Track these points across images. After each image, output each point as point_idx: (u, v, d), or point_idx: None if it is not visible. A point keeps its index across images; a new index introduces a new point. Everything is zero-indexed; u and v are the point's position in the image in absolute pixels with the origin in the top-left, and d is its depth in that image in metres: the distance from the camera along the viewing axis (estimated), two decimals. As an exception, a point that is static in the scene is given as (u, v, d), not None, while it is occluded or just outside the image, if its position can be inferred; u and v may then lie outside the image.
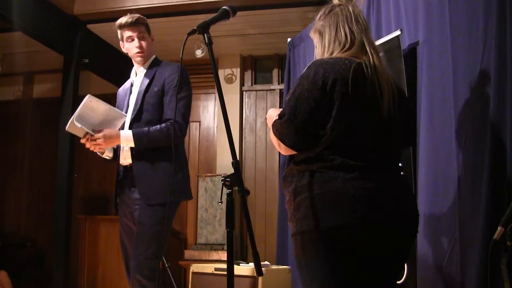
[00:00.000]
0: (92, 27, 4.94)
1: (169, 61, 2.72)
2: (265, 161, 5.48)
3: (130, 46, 2.65)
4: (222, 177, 1.64)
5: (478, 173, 2.07)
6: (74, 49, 4.75)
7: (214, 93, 5.79)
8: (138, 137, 2.45)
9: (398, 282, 2.57)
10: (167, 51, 4.79)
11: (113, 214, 5.70)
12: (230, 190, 1.65)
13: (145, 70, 2.65)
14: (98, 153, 2.61)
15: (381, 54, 1.79)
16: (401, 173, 1.78)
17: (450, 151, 2.26)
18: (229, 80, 5.69)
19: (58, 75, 4.95)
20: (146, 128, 2.48)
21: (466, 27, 2.24)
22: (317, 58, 1.76)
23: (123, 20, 2.62)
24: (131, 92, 2.67)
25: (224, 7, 1.79)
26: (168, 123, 2.48)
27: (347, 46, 1.70)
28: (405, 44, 2.69)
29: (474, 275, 2.05)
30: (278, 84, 5.63)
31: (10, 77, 5.92)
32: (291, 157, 1.73)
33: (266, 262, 3.61)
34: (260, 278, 3.15)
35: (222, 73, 5.66)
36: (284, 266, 3.59)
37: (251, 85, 5.75)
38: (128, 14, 2.66)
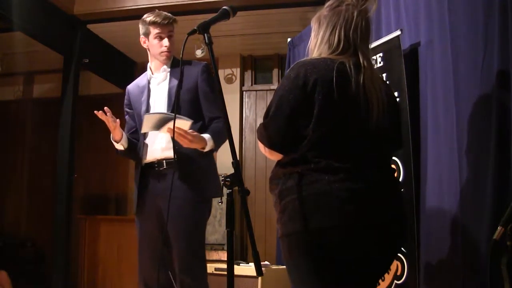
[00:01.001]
0: (92, 27, 4.94)
1: (190, 60, 2.71)
2: (265, 161, 5.48)
3: (157, 44, 2.57)
4: (222, 177, 1.64)
5: (482, 173, 2.07)
6: (74, 49, 4.75)
7: (214, 93, 5.78)
8: (217, 139, 2.47)
9: (398, 282, 2.57)
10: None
11: (114, 214, 5.71)
12: (230, 190, 1.64)
13: (169, 69, 2.61)
14: (113, 141, 2.57)
15: (373, 60, 1.78)
16: (391, 174, 1.75)
17: (452, 151, 2.26)
18: (229, 80, 5.69)
19: (58, 75, 4.95)
20: (214, 126, 2.49)
21: (466, 26, 2.24)
22: (308, 54, 1.75)
23: (157, 18, 2.55)
24: (149, 89, 2.61)
25: (224, 7, 1.79)
26: (220, 122, 2.48)
27: (337, 51, 1.67)
28: (406, 45, 2.69)
29: (474, 275, 2.05)
30: (278, 84, 5.63)
31: (10, 77, 5.92)
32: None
33: (266, 262, 3.62)
34: (260, 278, 3.15)
35: (222, 73, 5.66)
36: (284, 266, 3.60)
37: (251, 85, 5.75)
38: (156, 10, 2.62)
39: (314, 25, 1.77)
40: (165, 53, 2.58)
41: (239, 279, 3.15)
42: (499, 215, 1.80)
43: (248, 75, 5.77)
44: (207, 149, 2.43)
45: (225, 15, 1.79)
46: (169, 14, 2.61)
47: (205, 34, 1.71)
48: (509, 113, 1.99)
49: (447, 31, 2.35)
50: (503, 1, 2.04)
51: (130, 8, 4.49)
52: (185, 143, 2.32)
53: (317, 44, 1.72)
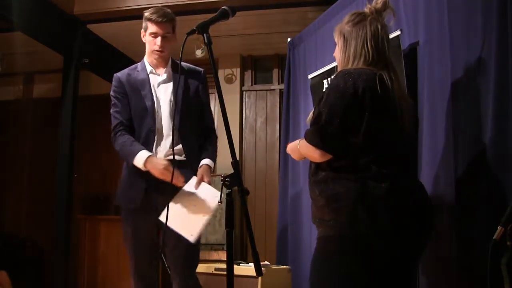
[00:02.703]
0: (92, 27, 4.93)
1: (190, 65, 2.71)
2: (265, 161, 5.48)
3: (151, 42, 2.57)
4: (222, 177, 1.64)
5: (480, 172, 2.08)
6: (74, 49, 4.75)
7: (214, 93, 5.77)
8: (214, 161, 2.61)
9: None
10: (167, 51, 4.80)
11: (114, 214, 5.71)
12: (230, 190, 1.65)
13: (170, 70, 2.60)
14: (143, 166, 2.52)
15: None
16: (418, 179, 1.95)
17: (450, 151, 2.26)
18: (229, 80, 5.69)
19: (58, 75, 4.94)
20: (211, 148, 2.62)
21: (465, 26, 2.24)
22: (339, 65, 1.87)
23: (153, 15, 2.52)
24: (150, 84, 2.57)
25: (223, 7, 1.79)
26: (214, 137, 2.67)
27: (373, 63, 1.78)
28: (405, 44, 2.68)
29: (474, 275, 2.05)
30: (278, 84, 5.63)
31: (10, 77, 5.92)
32: (318, 164, 1.79)
33: (266, 262, 3.61)
34: (260, 278, 3.15)
35: (222, 73, 5.66)
36: (284, 266, 3.60)
37: (251, 85, 5.75)
38: (156, 7, 2.58)
39: (339, 39, 1.88)
40: (157, 52, 2.55)
41: (239, 279, 3.15)
42: (499, 215, 1.79)
43: (248, 75, 5.77)
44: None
45: (224, 15, 1.79)
46: (169, 12, 2.55)
47: (205, 34, 1.71)
48: (507, 112, 1.99)
49: (446, 30, 2.35)
50: (502, 1, 2.04)
51: (130, 8, 4.49)
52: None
53: (350, 57, 1.82)
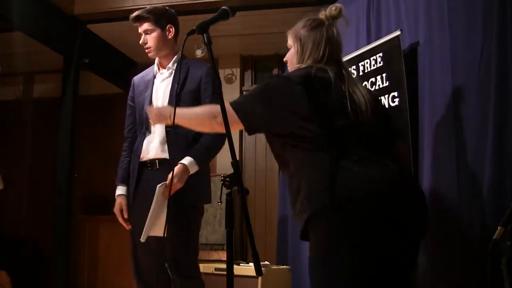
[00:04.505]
0: (92, 27, 4.93)
1: (196, 60, 2.68)
2: (265, 161, 5.48)
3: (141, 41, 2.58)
4: (222, 177, 1.64)
5: (480, 172, 2.08)
6: (74, 49, 4.74)
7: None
8: (200, 160, 2.41)
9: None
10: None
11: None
12: (230, 190, 1.65)
13: (175, 65, 2.58)
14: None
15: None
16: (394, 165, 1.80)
17: (451, 150, 2.26)
18: (229, 80, 5.68)
19: (58, 75, 4.94)
20: (199, 145, 2.44)
21: (465, 26, 2.24)
22: (290, 64, 1.93)
23: (131, 14, 2.55)
24: (153, 84, 2.58)
25: (223, 7, 1.79)
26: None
27: (321, 61, 1.83)
28: (405, 44, 2.69)
29: (474, 275, 2.05)
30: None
31: (10, 77, 5.92)
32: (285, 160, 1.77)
33: (266, 262, 3.61)
34: (260, 278, 3.15)
35: (222, 73, 5.66)
36: (284, 266, 3.60)
37: (251, 85, 5.74)
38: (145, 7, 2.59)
39: (294, 43, 1.92)
40: (146, 50, 2.56)
41: (239, 279, 3.14)
42: (499, 215, 1.80)
43: (248, 75, 5.76)
44: (191, 172, 2.38)
45: (224, 15, 1.79)
46: (147, 10, 2.55)
47: (204, 34, 1.71)
48: (507, 112, 1.99)
49: (446, 30, 2.35)
50: (502, 0, 2.04)
51: (130, 8, 4.48)
52: (177, 188, 2.33)
53: (304, 59, 1.86)
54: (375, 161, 1.66)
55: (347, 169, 1.61)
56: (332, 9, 1.90)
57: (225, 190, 1.65)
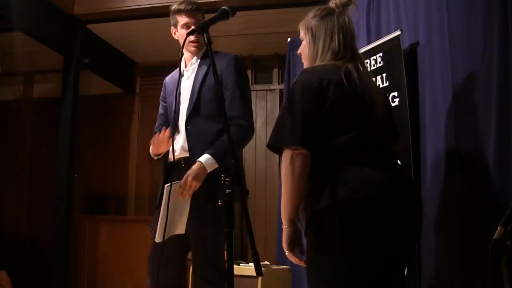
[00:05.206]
0: (92, 27, 4.93)
1: (222, 51, 2.55)
2: (265, 161, 5.48)
3: (185, 34, 2.52)
4: (222, 177, 1.64)
5: (481, 172, 2.07)
6: (74, 49, 4.74)
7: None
8: (219, 156, 2.30)
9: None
10: (167, 51, 4.79)
11: (114, 214, 5.71)
12: (230, 190, 1.64)
13: (198, 61, 2.52)
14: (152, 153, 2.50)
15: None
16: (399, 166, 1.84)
17: (452, 151, 2.26)
18: (229, 80, 5.68)
19: (58, 75, 4.94)
20: (219, 142, 2.34)
21: (465, 25, 2.24)
22: (307, 60, 1.85)
23: (181, 6, 2.47)
24: (180, 82, 2.52)
25: (223, 7, 1.79)
26: (237, 126, 2.36)
27: (339, 56, 1.77)
28: (405, 44, 2.69)
29: (474, 275, 2.05)
30: (278, 84, 5.63)
31: (10, 77, 5.91)
32: None
33: (266, 262, 3.61)
34: (260, 278, 3.15)
35: (222, 73, 5.65)
36: (284, 266, 3.59)
37: (251, 85, 5.74)
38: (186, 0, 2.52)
39: (306, 35, 1.86)
40: (192, 44, 2.50)
41: (239, 279, 3.14)
42: (499, 215, 1.80)
43: (248, 75, 5.76)
44: (209, 170, 2.30)
45: (224, 15, 1.79)
46: (195, 1, 2.51)
47: (204, 34, 1.71)
48: (508, 112, 1.99)
49: (446, 30, 2.35)
50: (504, 0, 2.04)
51: (130, 8, 4.48)
52: (195, 187, 2.27)
53: (319, 51, 1.80)
54: (379, 162, 1.66)
55: (350, 170, 1.61)
56: None
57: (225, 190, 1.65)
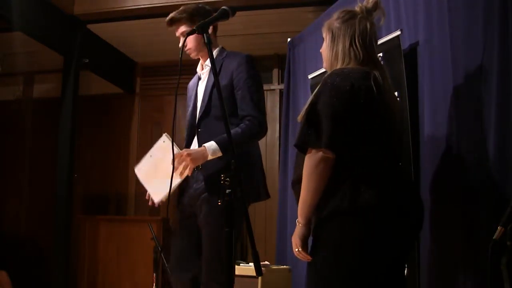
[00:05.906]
0: (92, 27, 4.93)
1: (234, 51, 2.54)
2: (265, 161, 5.46)
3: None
4: (222, 177, 1.64)
5: (481, 172, 2.07)
6: (74, 49, 4.75)
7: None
8: (224, 145, 2.28)
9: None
10: (167, 51, 4.79)
11: (114, 214, 5.71)
12: (230, 190, 1.64)
13: (209, 65, 2.51)
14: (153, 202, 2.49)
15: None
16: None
17: (451, 150, 2.26)
18: (229, 80, 5.68)
19: (58, 75, 4.95)
20: (224, 137, 2.28)
21: (465, 26, 2.24)
22: (326, 61, 1.87)
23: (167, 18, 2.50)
24: (197, 85, 2.56)
25: (223, 7, 1.79)
26: (248, 121, 2.35)
27: (361, 61, 1.77)
28: (405, 44, 2.68)
29: (474, 275, 2.05)
30: (278, 84, 5.63)
31: (10, 77, 5.91)
32: None
33: (266, 262, 3.61)
34: (260, 278, 3.15)
35: (222, 73, 5.65)
36: (284, 266, 3.59)
37: (251, 85, 5.74)
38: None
39: (327, 35, 1.86)
40: (188, 51, 2.51)
41: (239, 279, 3.14)
42: (499, 215, 1.80)
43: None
44: (210, 157, 2.29)
45: (224, 15, 1.79)
46: (178, 11, 2.49)
47: (204, 34, 1.71)
48: (508, 112, 1.98)
49: (446, 30, 2.35)
50: (504, 0, 2.04)
51: (130, 8, 4.48)
52: (186, 166, 2.25)
53: (339, 55, 1.81)
54: (393, 169, 1.75)
55: (372, 176, 1.66)
56: (367, 0, 1.84)
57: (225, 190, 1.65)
